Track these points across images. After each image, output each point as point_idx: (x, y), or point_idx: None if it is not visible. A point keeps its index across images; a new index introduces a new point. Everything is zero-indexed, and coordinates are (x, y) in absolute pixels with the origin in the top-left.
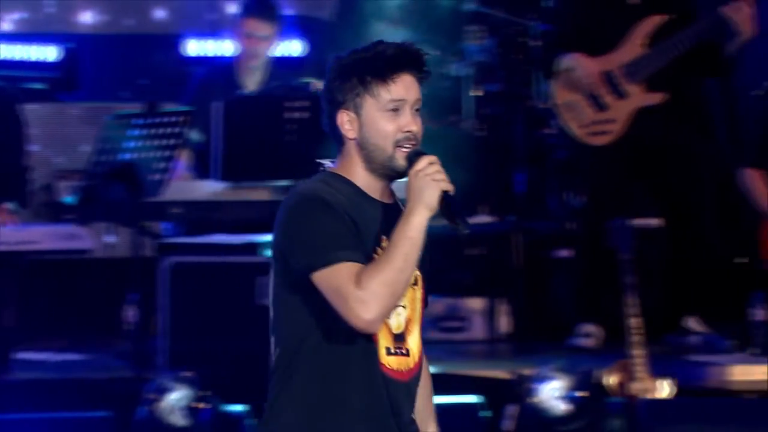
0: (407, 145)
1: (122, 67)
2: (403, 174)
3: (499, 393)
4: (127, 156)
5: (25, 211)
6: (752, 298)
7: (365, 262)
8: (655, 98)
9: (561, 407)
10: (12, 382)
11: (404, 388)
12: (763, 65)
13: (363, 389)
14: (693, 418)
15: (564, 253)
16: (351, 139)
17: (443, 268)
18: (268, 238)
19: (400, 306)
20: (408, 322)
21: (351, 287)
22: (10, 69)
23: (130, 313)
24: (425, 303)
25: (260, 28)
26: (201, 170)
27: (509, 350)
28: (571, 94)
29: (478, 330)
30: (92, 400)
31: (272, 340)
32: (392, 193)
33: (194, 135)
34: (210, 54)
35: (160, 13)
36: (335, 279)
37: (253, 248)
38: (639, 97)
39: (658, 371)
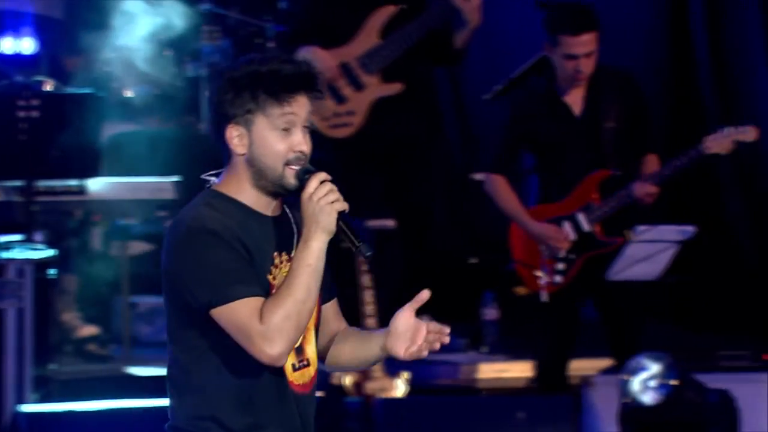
0: (296, 165)
1: None
2: (292, 192)
3: None
4: None
5: None
6: (484, 297)
7: (264, 295)
8: (392, 89)
9: None
10: None
11: (308, 399)
12: (491, 69)
13: (275, 408)
14: (427, 415)
15: None
16: (239, 155)
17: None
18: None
19: None
20: (306, 331)
21: (254, 324)
22: None
23: None
24: (320, 304)
25: None
26: None
27: None
28: None
29: None
30: None
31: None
32: (281, 204)
33: None
34: None
35: None
36: (236, 316)
37: None
38: (376, 88)
39: (394, 370)
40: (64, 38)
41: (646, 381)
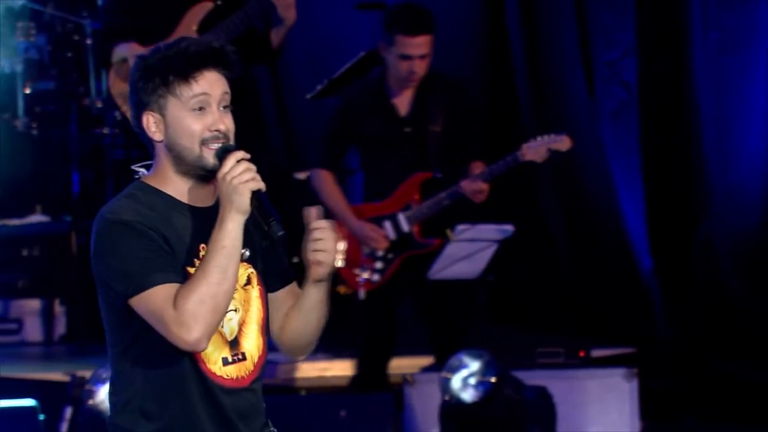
0: (215, 144)
1: None
2: (213, 172)
3: (55, 396)
4: None
5: None
6: None
7: (182, 281)
8: None
9: None
10: None
11: (247, 394)
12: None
13: (199, 401)
14: None
15: None
16: (158, 142)
17: None
18: None
19: (231, 311)
20: (241, 324)
21: (169, 311)
22: None
23: None
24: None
25: None
26: None
27: (65, 352)
28: (126, 85)
29: (33, 332)
30: None
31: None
32: (213, 195)
33: None
34: None
35: None
36: (152, 304)
37: None
38: None
39: None
40: None
41: (466, 379)
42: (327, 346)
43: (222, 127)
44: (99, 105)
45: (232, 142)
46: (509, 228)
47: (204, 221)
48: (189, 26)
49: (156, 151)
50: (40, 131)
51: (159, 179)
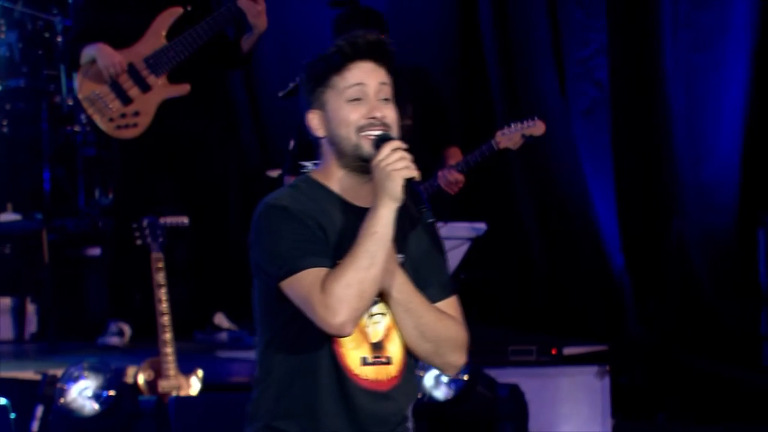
0: (374, 132)
1: None
2: (367, 161)
3: (26, 394)
4: None
5: None
6: None
7: (331, 265)
8: (179, 90)
9: (91, 407)
10: None
11: (383, 397)
12: (285, 67)
13: (334, 399)
14: (222, 413)
15: (94, 251)
16: (322, 138)
17: None
18: None
19: (379, 314)
20: (388, 329)
21: (316, 294)
22: None
23: None
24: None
25: None
26: None
27: (37, 350)
28: (96, 87)
29: (4, 330)
30: None
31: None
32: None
33: None
34: None
35: None
36: (301, 287)
37: None
38: (163, 90)
39: (188, 368)
40: None
41: (438, 377)
42: None
43: (378, 114)
44: (70, 102)
45: (393, 133)
46: (482, 226)
47: (354, 218)
48: (158, 31)
49: (322, 149)
50: (11, 129)
51: (324, 174)
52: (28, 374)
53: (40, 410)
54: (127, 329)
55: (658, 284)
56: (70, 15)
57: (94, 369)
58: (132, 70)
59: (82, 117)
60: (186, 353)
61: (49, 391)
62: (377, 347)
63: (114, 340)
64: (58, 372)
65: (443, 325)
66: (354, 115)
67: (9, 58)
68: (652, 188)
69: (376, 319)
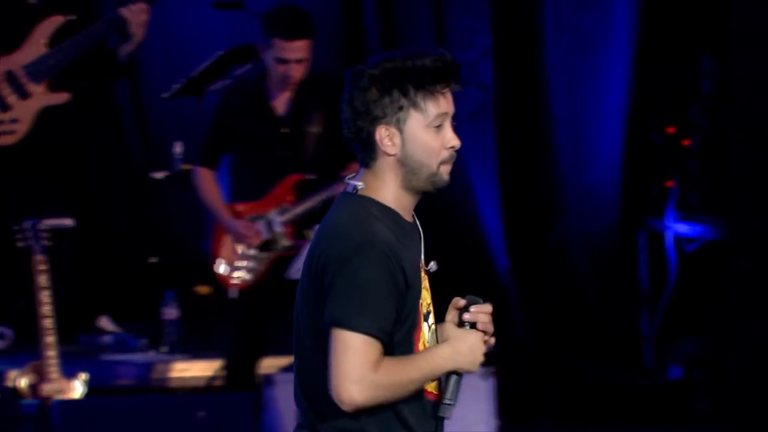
0: (450, 163)
1: None
2: (441, 191)
3: None
4: None
5: None
6: (164, 296)
7: (385, 339)
8: (59, 98)
9: None
10: None
11: (438, 407)
12: (170, 69)
13: (420, 417)
14: (106, 417)
15: None
16: (390, 155)
17: None
18: None
19: (427, 323)
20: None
21: (366, 366)
22: None
23: None
24: None
25: None
26: None
27: None
28: None
29: None
30: None
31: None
32: (411, 211)
33: None
34: None
35: None
36: (355, 347)
37: None
38: (42, 97)
39: (71, 371)
40: None
41: None
42: (187, 346)
43: (457, 144)
44: None
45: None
46: None
47: (411, 236)
48: (38, 40)
49: (379, 163)
50: None
51: (383, 193)
52: None
53: None
54: (8, 333)
55: (542, 286)
56: None
57: None
58: (10, 77)
59: None
60: (70, 356)
61: None
62: None
63: None
64: None
65: None
66: (437, 143)
67: None
68: (536, 190)
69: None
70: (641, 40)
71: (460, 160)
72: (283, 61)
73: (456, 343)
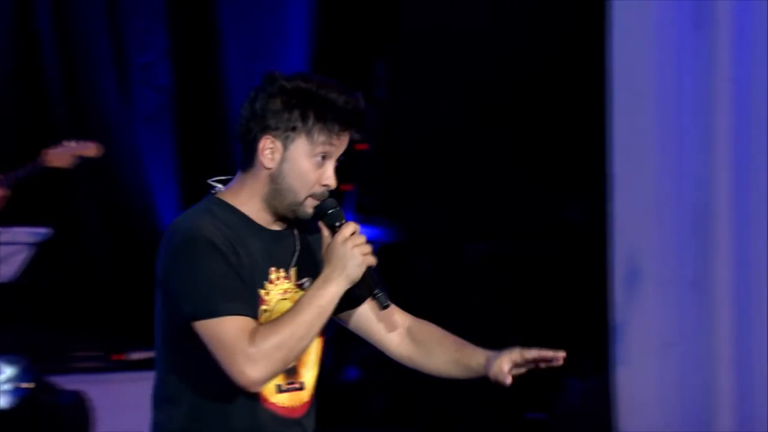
0: (319, 199)
1: None
2: (300, 220)
3: None
4: None
5: None
6: None
7: (252, 312)
8: None
9: None
10: None
11: (296, 424)
12: None
13: (247, 427)
14: None
15: None
16: (266, 168)
17: None
18: None
19: None
20: (305, 354)
21: (242, 343)
22: None
23: None
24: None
25: None
26: None
27: None
28: None
29: None
30: None
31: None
32: (285, 220)
33: None
34: None
35: None
36: (222, 332)
37: None
38: None
39: None
40: None
41: (0, 385)
42: None
43: (332, 184)
44: None
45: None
46: (44, 231)
47: (275, 243)
48: None
49: (252, 172)
50: None
51: (239, 199)
52: None
53: None
54: None
55: None
56: None
57: None
58: None
59: None
60: None
61: None
62: (291, 373)
63: None
64: None
65: None
66: (313, 176)
67: None
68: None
69: None
70: (316, 43)
71: (139, 161)
72: None
73: (329, 263)
